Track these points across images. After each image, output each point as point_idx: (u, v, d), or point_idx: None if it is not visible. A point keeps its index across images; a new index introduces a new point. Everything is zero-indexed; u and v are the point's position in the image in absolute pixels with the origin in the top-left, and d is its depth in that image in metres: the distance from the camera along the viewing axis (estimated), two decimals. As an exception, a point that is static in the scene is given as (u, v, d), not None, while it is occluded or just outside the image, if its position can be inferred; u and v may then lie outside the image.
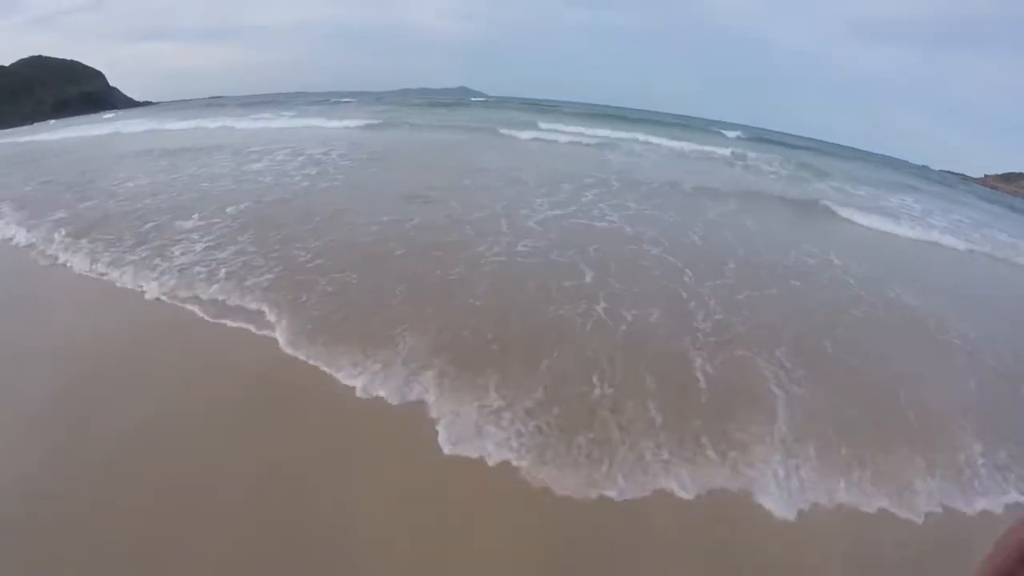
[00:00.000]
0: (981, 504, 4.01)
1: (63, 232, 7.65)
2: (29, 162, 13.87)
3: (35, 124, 28.34)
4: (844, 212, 13.77)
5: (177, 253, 6.93)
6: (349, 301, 5.85)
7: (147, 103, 63.34)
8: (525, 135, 22.10)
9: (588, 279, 6.89)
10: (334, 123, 22.35)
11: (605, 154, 19.78)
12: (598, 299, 6.31)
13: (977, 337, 6.83)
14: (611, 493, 3.67)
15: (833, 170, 25.56)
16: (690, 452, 4.06)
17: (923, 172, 53.54)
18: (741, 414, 4.48)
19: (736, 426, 4.33)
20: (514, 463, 3.82)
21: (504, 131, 22.43)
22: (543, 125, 25.53)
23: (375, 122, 23.17)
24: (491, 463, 3.82)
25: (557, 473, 3.76)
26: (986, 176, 65.48)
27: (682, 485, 3.76)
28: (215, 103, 50.48)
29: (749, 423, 4.38)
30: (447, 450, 3.88)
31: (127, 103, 61.35)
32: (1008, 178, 61.34)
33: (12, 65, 56.65)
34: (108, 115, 33.66)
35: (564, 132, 23.93)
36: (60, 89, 55.66)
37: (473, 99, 63.81)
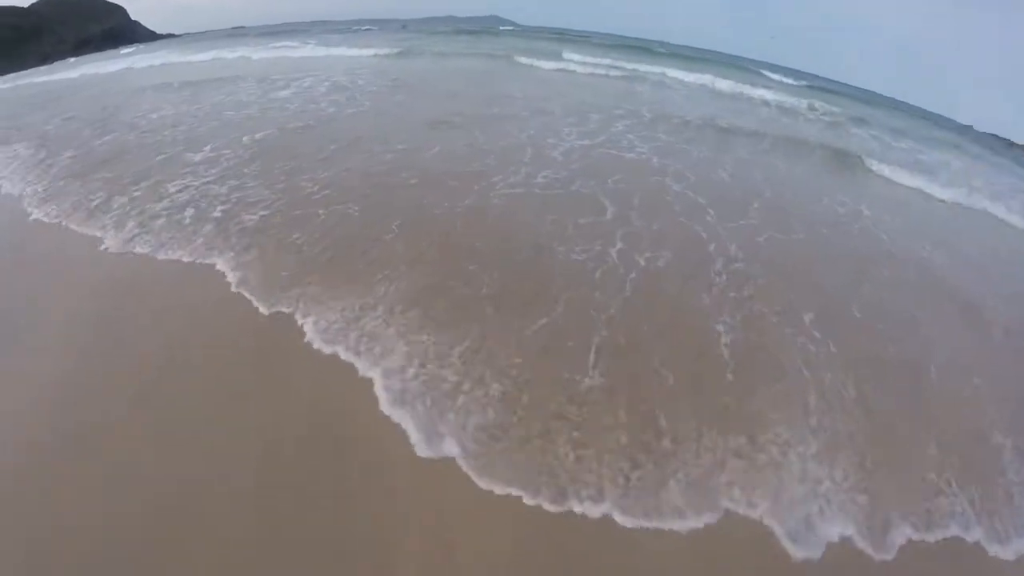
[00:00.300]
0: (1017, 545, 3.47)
1: (63, 175, 7.38)
2: (49, 101, 13.80)
3: (54, 63, 28.07)
4: (878, 165, 12.69)
5: (173, 190, 6.63)
6: (343, 237, 5.56)
7: (169, 35, 62.46)
8: (552, 65, 21.07)
9: (608, 215, 6.60)
10: (354, 51, 21.63)
11: (635, 87, 18.84)
12: (614, 239, 5.99)
13: (1013, 313, 6.23)
14: (592, 510, 3.12)
15: (873, 119, 23.89)
16: (695, 460, 3.44)
17: (966, 131, 49.84)
18: (763, 406, 3.90)
19: (756, 427, 3.73)
20: (467, 464, 3.31)
21: (530, 61, 21.39)
22: (574, 56, 24.25)
23: (398, 50, 22.33)
24: (430, 456, 3.34)
25: (516, 477, 3.24)
26: (1033, 141, 61.33)
27: (683, 506, 3.18)
28: (237, 33, 49.51)
29: (772, 422, 3.78)
30: (387, 411, 3.57)
31: (149, 36, 60.60)
32: (1060, 146, 57.11)
33: (32, 5, 56.11)
34: (127, 50, 33.21)
35: (594, 63, 22.75)
36: (81, 27, 55.10)
37: (502, 28, 61.32)
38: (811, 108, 21.06)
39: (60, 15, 54.19)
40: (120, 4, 61.77)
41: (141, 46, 39.27)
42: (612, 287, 5.08)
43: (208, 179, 6.98)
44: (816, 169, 11.38)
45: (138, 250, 5.44)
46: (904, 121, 31.02)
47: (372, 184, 6.89)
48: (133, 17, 63.02)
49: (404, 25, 52.75)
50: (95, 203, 6.47)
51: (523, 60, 21.54)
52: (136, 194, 6.63)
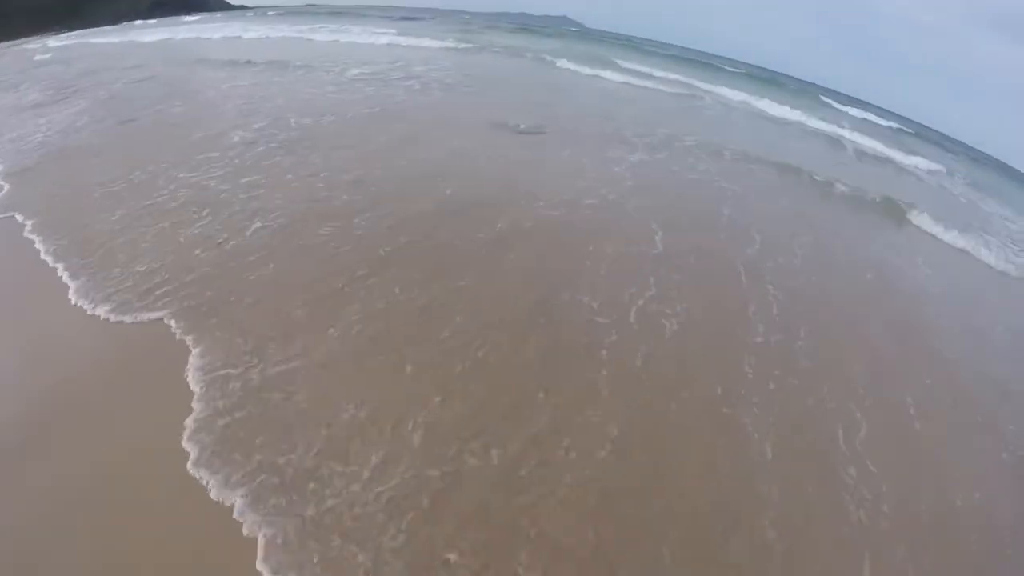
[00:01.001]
0: None
1: (61, 152, 6.70)
2: (108, 65, 13.73)
3: (122, 24, 28.59)
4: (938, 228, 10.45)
5: (163, 186, 5.78)
6: (304, 277, 4.45)
7: (242, 7, 63.82)
8: (612, 76, 20.26)
9: (651, 248, 5.90)
10: (421, 41, 21.29)
11: (695, 106, 17.91)
12: (647, 286, 5.11)
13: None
14: None
15: (949, 169, 22.06)
16: None
17: None
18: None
19: None
20: None
21: (592, 71, 20.58)
22: (635, 67, 23.33)
23: (461, 45, 21.88)
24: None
25: None
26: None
27: None
28: (308, 11, 50.10)
29: None
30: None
31: (221, 6, 62.13)
32: None
33: (110, -37, 58.35)
34: (191, 18, 33.49)
35: (659, 77, 21.87)
36: (155, -12, 57.14)
37: (572, 29, 60.98)
38: (875, 149, 19.62)
39: (137, -24, 56.22)
40: (196, -28, 63.53)
41: (206, 15, 39.94)
42: (621, 383, 3.88)
43: (216, 174, 6.21)
44: (871, 226, 9.75)
45: (60, 272, 4.38)
46: (968, 166, 29.19)
47: (399, 192, 6.25)
48: (206, -15, 64.62)
49: (470, 19, 52.58)
50: (60, 196, 5.65)
51: (584, 69, 20.70)
52: (116, 188, 5.79)
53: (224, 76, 11.82)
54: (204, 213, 5.33)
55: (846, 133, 20.48)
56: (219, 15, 40.73)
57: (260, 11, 51.70)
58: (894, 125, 35.42)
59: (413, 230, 5.41)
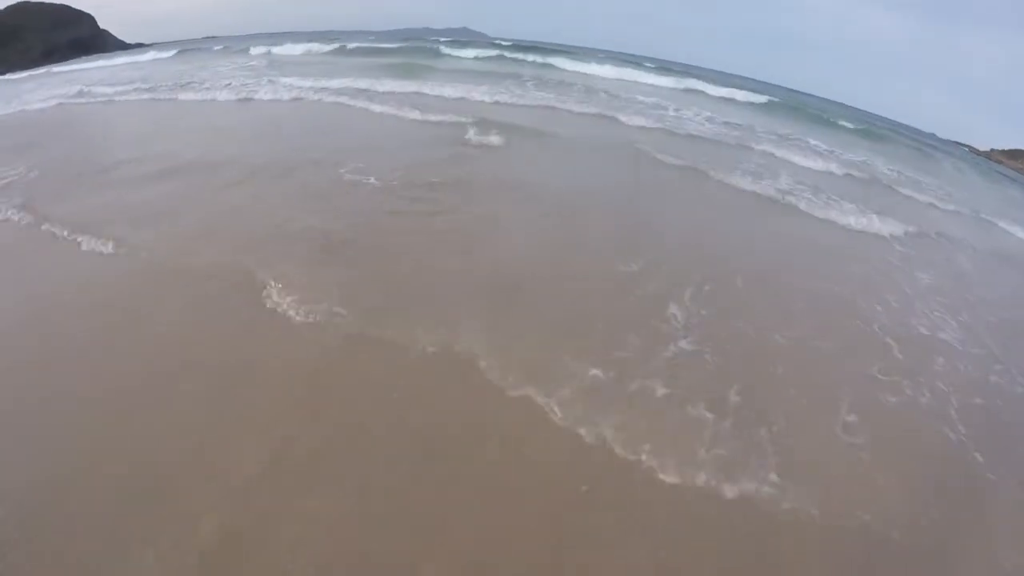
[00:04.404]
0: None
1: None
2: None
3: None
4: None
5: None
6: None
7: (139, 45, 62.25)
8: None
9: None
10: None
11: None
12: None
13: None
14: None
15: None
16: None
17: (929, 139, 52.86)
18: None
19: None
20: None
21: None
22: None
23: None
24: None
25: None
26: (992, 150, 64.98)
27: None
28: (204, 47, 48.90)
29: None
30: None
31: (118, 46, 60.52)
32: (1013, 154, 60.76)
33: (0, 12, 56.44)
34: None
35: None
36: (49, 35, 55.40)
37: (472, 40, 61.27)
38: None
39: (28, 22, 54.41)
40: (89, 12, 61.75)
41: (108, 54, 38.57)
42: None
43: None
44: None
45: None
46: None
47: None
48: (102, 26, 62.96)
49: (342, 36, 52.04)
50: None
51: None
52: None
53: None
54: None
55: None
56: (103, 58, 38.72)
57: (161, 47, 50.26)
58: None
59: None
